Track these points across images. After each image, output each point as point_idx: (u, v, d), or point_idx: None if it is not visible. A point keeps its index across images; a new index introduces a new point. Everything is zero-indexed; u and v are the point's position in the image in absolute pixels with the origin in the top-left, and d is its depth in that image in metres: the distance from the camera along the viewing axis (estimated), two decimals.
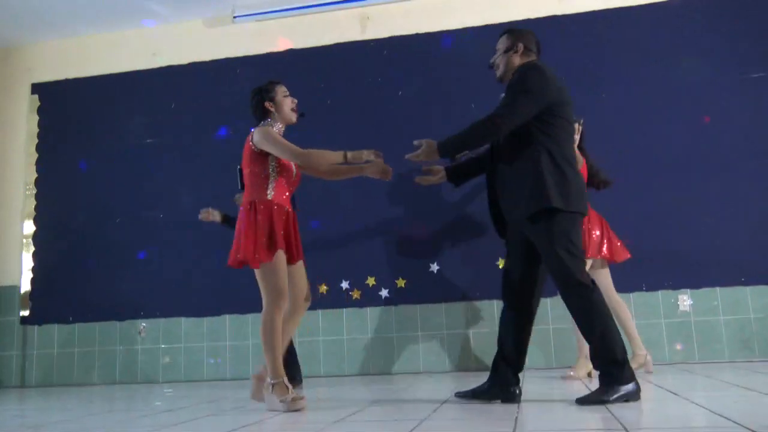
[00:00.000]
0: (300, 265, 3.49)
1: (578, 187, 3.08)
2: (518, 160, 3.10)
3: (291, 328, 3.50)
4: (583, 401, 2.91)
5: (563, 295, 3.04)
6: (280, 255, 3.29)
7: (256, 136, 3.36)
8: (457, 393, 3.35)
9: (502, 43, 3.32)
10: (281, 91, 3.53)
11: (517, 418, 2.63)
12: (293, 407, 3.19)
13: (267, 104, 3.49)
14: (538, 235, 3.04)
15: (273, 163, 3.38)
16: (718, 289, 5.08)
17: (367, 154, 3.38)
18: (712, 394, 3.20)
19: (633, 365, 3.55)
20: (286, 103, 3.52)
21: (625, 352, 2.95)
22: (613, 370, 2.90)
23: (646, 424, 2.49)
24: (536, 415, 2.79)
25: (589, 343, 3.01)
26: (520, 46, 3.26)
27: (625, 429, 2.24)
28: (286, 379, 3.29)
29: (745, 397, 3.02)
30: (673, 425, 2.39)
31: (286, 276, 3.33)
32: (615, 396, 2.86)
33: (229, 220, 4.61)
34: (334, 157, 3.35)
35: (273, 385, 3.26)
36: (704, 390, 3.42)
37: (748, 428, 2.10)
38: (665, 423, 2.46)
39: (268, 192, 3.35)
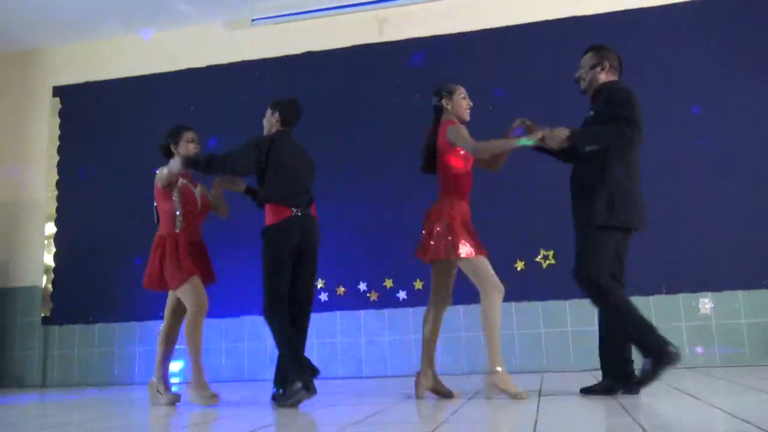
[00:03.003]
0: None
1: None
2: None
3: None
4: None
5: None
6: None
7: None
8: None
9: (588, 60, 3.54)
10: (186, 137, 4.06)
11: (536, 420, 2.61)
12: (211, 402, 3.69)
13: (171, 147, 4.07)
14: None
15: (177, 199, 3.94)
16: (740, 292, 5.03)
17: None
18: (734, 399, 3.16)
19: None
20: (189, 148, 4.04)
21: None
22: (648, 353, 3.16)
23: (669, 429, 2.46)
24: (556, 417, 2.77)
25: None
26: (606, 63, 3.49)
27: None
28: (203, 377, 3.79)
29: None
30: (693, 429, 2.36)
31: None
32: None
33: (251, 192, 4.11)
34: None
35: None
36: (726, 394, 3.38)
37: None
38: (687, 428, 2.44)
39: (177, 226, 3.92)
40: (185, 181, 4.02)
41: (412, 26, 6.00)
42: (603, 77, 3.48)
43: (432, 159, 3.78)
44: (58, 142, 6.61)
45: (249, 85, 6.21)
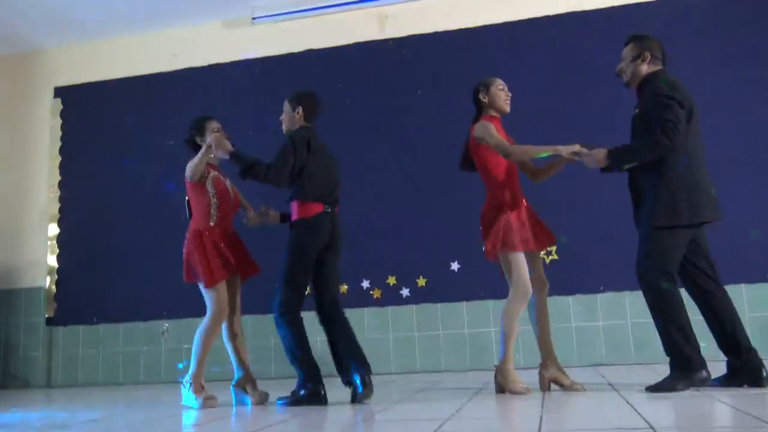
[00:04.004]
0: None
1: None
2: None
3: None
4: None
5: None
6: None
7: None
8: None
9: (628, 52, 3.45)
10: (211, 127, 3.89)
11: (542, 416, 2.62)
12: (207, 405, 3.64)
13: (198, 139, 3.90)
14: None
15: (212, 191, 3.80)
16: (743, 285, 5.02)
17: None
18: (738, 392, 3.16)
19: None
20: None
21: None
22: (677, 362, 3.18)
23: (673, 423, 2.46)
24: (561, 414, 2.78)
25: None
26: (647, 54, 3.40)
27: (653, 428, 2.22)
28: (202, 379, 3.74)
29: None
30: (700, 424, 2.36)
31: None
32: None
33: (285, 218, 3.94)
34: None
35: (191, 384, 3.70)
36: (731, 389, 3.38)
37: None
38: (692, 421, 2.44)
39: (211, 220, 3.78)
40: (216, 173, 3.87)
41: (414, 23, 5.99)
42: (645, 68, 3.38)
43: (468, 157, 3.74)
44: (60, 143, 6.61)
45: (250, 83, 6.21)
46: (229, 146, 3.68)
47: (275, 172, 3.54)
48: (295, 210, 3.64)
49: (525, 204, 3.64)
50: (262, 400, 3.71)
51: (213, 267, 3.67)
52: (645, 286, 3.32)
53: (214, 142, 3.67)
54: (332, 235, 3.68)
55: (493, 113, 3.68)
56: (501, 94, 3.68)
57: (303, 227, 3.59)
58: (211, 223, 3.76)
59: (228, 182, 3.94)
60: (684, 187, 3.21)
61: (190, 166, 3.74)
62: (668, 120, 3.14)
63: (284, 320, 3.54)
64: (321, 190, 3.65)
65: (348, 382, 3.50)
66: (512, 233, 3.47)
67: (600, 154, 3.28)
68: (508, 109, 3.70)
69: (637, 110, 3.39)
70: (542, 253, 5.34)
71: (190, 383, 3.70)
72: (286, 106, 3.86)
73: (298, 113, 3.80)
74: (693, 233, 3.30)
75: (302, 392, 3.46)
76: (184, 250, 3.78)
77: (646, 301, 3.35)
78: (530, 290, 3.50)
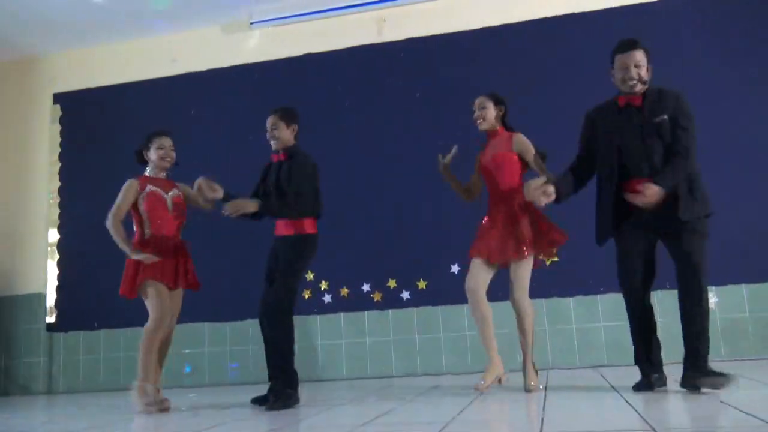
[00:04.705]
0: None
1: None
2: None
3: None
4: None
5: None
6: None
7: None
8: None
9: (643, 58, 3.38)
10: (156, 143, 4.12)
11: (543, 418, 2.62)
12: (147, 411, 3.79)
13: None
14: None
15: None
16: (743, 285, 5.02)
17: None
18: (739, 392, 3.16)
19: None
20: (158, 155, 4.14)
21: None
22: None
23: (674, 423, 2.47)
24: (562, 415, 2.78)
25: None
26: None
27: (653, 429, 2.22)
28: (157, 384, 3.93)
29: None
30: (701, 424, 2.36)
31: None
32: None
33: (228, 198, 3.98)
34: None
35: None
36: (732, 388, 3.38)
37: None
38: (693, 422, 2.44)
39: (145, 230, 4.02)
40: (153, 188, 4.08)
41: (412, 26, 6.00)
42: (648, 76, 3.40)
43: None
44: (59, 149, 6.61)
45: (249, 88, 6.22)
46: (248, 207, 3.73)
47: (302, 206, 3.78)
48: (301, 224, 3.82)
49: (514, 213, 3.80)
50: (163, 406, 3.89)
51: (136, 276, 3.94)
52: (698, 287, 3.25)
53: (231, 211, 3.70)
54: None
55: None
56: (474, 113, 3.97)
57: (308, 243, 3.82)
58: (145, 236, 4.02)
59: (171, 193, 4.13)
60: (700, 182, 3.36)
61: (113, 228, 3.99)
62: (691, 137, 3.27)
63: (285, 320, 3.67)
64: (319, 208, 3.92)
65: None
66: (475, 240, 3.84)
67: (655, 189, 3.17)
68: (480, 127, 3.95)
69: (665, 117, 3.30)
70: (542, 254, 5.36)
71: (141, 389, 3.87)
72: (278, 123, 3.90)
73: (293, 131, 3.93)
74: None
75: (290, 394, 3.61)
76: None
77: (703, 305, 3.26)
78: (469, 293, 3.82)
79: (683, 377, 3.16)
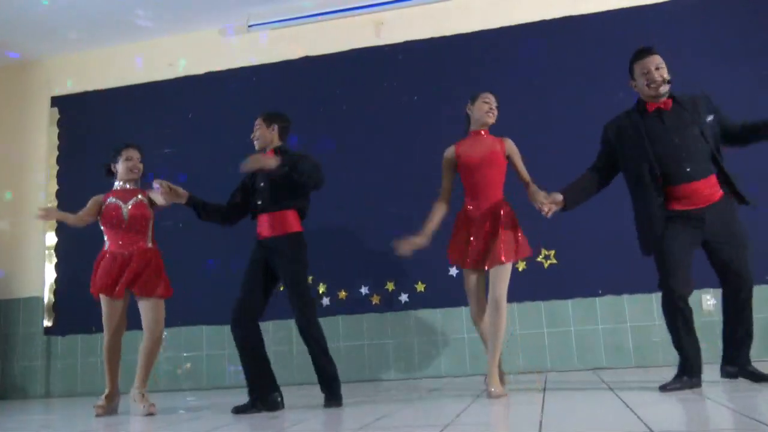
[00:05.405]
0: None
1: None
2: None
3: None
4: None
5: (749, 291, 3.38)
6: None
7: None
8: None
9: (661, 60, 3.48)
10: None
11: (541, 421, 2.61)
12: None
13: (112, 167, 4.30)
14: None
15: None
16: None
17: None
18: (737, 395, 3.16)
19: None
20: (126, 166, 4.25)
21: None
22: None
23: (672, 426, 2.46)
24: (561, 417, 2.77)
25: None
26: None
27: (651, 430, 2.22)
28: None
29: None
30: (698, 426, 2.36)
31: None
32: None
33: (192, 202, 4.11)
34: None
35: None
36: (732, 391, 3.37)
37: None
38: (692, 424, 2.44)
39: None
40: (113, 200, 4.21)
41: (410, 29, 6.01)
42: None
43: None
44: (57, 152, 6.61)
45: (247, 90, 6.22)
46: (268, 161, 3.69)
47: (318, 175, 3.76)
48: (292, 221, 3.78)
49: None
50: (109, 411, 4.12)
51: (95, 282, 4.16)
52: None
53: (252, 164, 3.73)
54: None
55: (474, 127, 3.89)
56: (484, 106, 3.85)
57: (303, 241, 3.81)
58: (104, 247, 4.24)
59: (132, 201, 4.23)
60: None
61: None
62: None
63: (319, 331, 3.71)
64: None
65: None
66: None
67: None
68: (489, 120, 3.86)
69: (711, 117, 3.43)
70: (540, 257, 5.36)
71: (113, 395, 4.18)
72: (260, 123, 3.96)
73: (274, 131, 3.92)
74: None
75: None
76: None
77: (749, 299, 3.42)
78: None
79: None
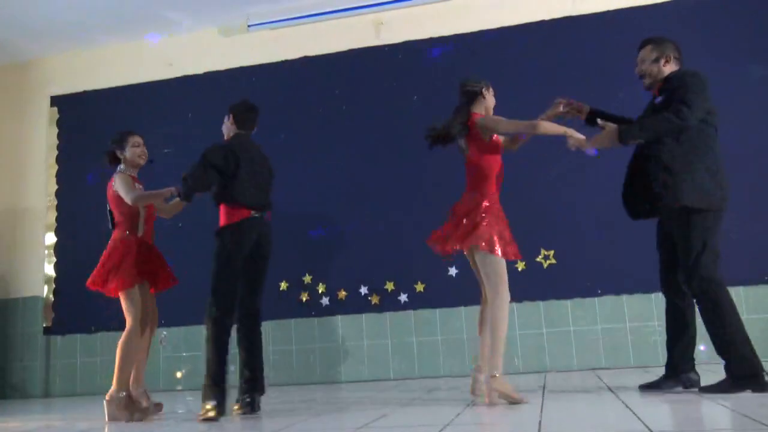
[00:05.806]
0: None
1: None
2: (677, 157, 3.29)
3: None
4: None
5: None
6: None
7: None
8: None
9: (648, 54, 3.52)
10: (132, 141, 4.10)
11: (540, 421, 2.61)
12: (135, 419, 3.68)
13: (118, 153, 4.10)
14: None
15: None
16: (741, 288, 5.01)
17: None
18: (739, 396, 3.16)
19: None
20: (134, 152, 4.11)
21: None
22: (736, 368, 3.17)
23: (672, 426, 2.46)
24: (560, 417, 2.77)
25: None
26: (669, 55, 3.48)
27: (650, 430, 2.22)
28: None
29: None
30: (699, 426, 2.36)
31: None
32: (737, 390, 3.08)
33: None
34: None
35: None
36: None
37: None
38: (691, 424, 2.44)
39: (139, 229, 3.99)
40: (140, 186, 4.11)
41: (409, 29, 6.00)
42: (667, 69, 3.46)
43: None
44: (56, 152, 6.61)
45: (246, 91, 6.21)
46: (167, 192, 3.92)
47: (190, 187, 3.70)
48: (222, 215, 3.72)
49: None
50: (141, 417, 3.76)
51: (131, 273, 3.87)
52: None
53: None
54: (259, 242, 3.73)
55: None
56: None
57: (227, 234, 3.66)
58: (139, 234, 4.00)
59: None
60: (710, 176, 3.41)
61: (138, 196, 3.90)
62: (686, 98, 3.21)
63: (209, 328, 3.65)
64: (248, 196, 3.69)
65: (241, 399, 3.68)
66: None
67: (612, 132, 3.35)
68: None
69: (657, 101, 3.41)
70: (539, 257, 5.37)
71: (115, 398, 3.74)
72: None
73: (230, 122, 3.94)
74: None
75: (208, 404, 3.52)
76: (102, 258, 3.95)
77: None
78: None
79: None
